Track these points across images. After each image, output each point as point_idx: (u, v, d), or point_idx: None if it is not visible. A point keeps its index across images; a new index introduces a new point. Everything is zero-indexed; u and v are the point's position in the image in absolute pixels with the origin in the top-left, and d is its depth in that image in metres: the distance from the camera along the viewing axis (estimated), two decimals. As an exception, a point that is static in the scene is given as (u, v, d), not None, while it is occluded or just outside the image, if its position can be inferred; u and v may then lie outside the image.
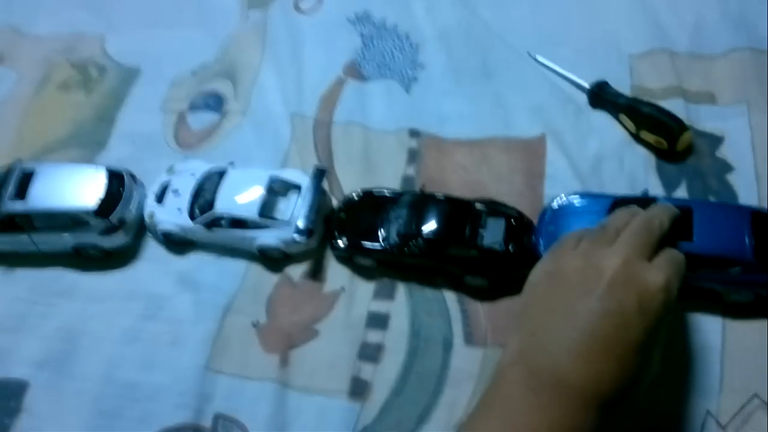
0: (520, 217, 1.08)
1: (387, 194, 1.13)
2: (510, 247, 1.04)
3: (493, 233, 1.05)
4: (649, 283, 0.72)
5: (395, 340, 1.03)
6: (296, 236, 1.07)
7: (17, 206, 1.10)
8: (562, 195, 1.10)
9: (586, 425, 0.69)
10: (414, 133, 1.24)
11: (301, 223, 1.07)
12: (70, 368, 1.04)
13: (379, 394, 0.99)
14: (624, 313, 0.70)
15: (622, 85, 1.24)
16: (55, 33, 1.50)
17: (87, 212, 1.09)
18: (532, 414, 0.69)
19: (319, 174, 1.12)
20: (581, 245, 0.81)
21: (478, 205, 1.07)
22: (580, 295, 0.73)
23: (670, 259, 0.78)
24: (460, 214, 1.06)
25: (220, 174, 1.15)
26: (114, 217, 1.11)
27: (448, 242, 1.04)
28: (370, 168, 1.21)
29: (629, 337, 0.70)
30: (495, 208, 1.08)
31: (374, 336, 1.04)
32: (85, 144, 1.30)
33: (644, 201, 1.03)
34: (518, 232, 1.06)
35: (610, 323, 0.70)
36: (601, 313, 0.71)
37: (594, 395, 0.69)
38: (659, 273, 0.74)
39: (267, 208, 1.10)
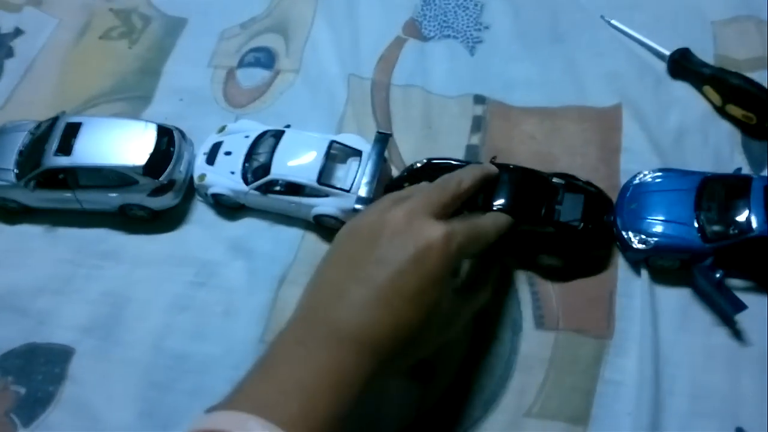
0: (599, 193, 1.00)
1: (453, 164, 1.05)
2: (589, 225, 0.96)
3: (570, 210, 0.97)
4: (427, 235, 0.73)
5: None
6: (358, 206, 1.00)
7: (62, 161, 1.03)
8: (645, 171, 1.02)
9: (360, 372, 0.68)
10: (479, 99, 1.16)
11: (363, 192, 1.00)
12: (117, 335, 0.99)
13: (442, 378, 0.93)
14: (399, 262, 0.71)
15: (705, 54, 1.15)
16: (95, -22, 1.42)
17: (136, 170, 1.03)
18: (297, 366, 0.68)
19: (383, 140, 1.05)
20: (382, 202, 0.82)
21: (555, 180, 1.00)
22: (363, 247, 0.74)
23: (465, 218, 0.81)
24: (536, 187, 0.99)
25: (276, 136, 1.08)
26: (164, 177, 1.05)
27: (522, 217, 0.97)
28: (431, 135, 1.14)
29: (403, 286, 0.70)
30: (573, 183, 1.00)
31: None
32: (130, 98, 1.23)
33: (738, 180, 0.96)
34: (597, 210, 0.99)
35: (384, 272, 0.70)
36: (377, 262, 0.71)
37: (368, 343, 0.69)
38: (440, 226, 0.74)
39: (326, 175, 1.03)
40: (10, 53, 1.31)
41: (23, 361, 0.98)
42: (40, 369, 0.97)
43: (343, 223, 1.03)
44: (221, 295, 1.02)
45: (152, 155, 1.04)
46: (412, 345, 0.73)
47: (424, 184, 0.91)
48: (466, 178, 0.89)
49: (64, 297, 1.03)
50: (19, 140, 1.11)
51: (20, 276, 1.06)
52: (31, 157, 1.07)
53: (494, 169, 0.97)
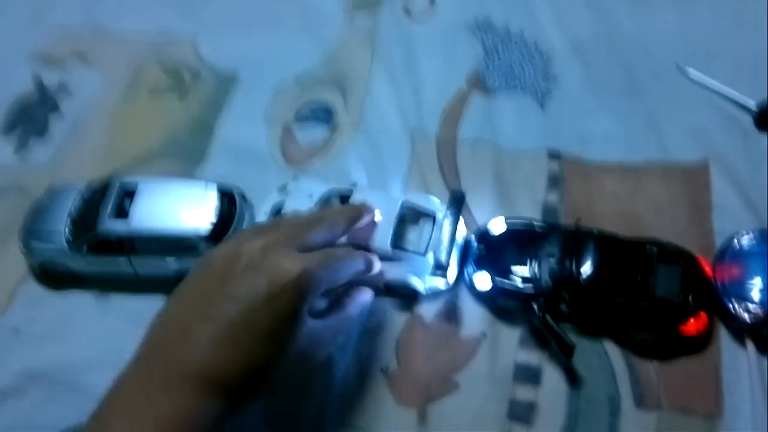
0: (694, 261, 0.93)
1: (535, 228, 0.98)
2: (689, 299, 0.88)
3: (666, 281, 0.90)
4: (282, 270, 0.69)
5: (551, 399, 0.89)
6: (437, 272, 0.92)
7: (119, 227, 0.97)
8: (743, 232, 0.95)
9: (209, 415, 0.66)
10: (554, 155, 1.10)
11: (442, 258, 0.93)
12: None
13: None
14: (252, 298, 0.67)
15: (792, 106, 1.08)
16: (142, 33, 1.38)
17: (198, 237, 0.96)
18: (136, 418, 0.64)
19: (458, 201, 0.98)
20: (243, 233, 0.79)
21: (649, 248, 0.92)
22: (214, 281, 0.70)
23: (325, 252, 0.76)
24: (628, 257, 0.91)
25: (342, 196, 1.01)
26: (225, 243, 0.97)
27: (615, 290, 0.89)
28: (504, 193, 1.07)
29: (256, 324, 0.67)
30: (667, 250, 0.93)
31: (525, 392, 0.90)
32: (183, 156, 1.18)
33: None
34: (694, 280, 0.91)
35: (235, 309, 0.67)
36: (228, 298, 0.68)
37: (217, 383, 0.66)
38: (297, 261, 0.70)
39: (398, 239, 0.96)
40: (55, 108, 1.27)
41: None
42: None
43: (415, 292, 0.97)
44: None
45: (216, 221, 0.97)
46: (266, 380, 0.70)
47: (291, 215, 0.89)
48: (338, 220, 0.84)
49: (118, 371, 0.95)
50: (69, 202, 1.05)
51: (72, 349, 0.99)
52: (83, 220, 1.01)
53: (371, 208, 0.93)
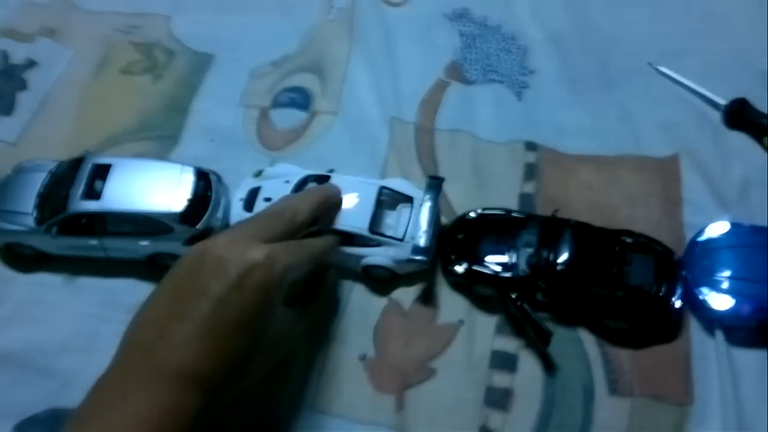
0: (667, 252, 0.95)
1: (514, 215, 0.99)
2: (662, 288, 0.91)
3: (640, 271, 0.92)
4: (248, 258, 0.70)
5: (526, 386, 0.90)
6: (417, 257, 0.93)
7: (90, 206, 0.95)
8: (713, 225, 0.97)
9: (187, 409, 0.66)
10: (530, 146, 1.11)
11: (421, 242, 0.93)
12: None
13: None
14: (220, 290, 0.68)
15: (759, 104, 1.12)
16: (113, 10, 1.35)
17: (172, 218, 0.94)
18: (115, 418, 0.64)
19: (437, 185, 0.99)
20: (213, 235, 0.81)
21: (624, 238, 0.94)
22: (185, 279, 0.71)
23: (295, 242, 0.79)
24: (604, 246, 0.93)
25: (319, 181, 1.01)
26: (200, 225, 0.96)
27: (591, 279, 0.91)
28: (481, 183, 1.08)
29: (227, 315, 0.68)
30: (641, 241, 0.95)
31: (501, 379, 0.91)
32: (156, 137, 1.15)
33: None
34: (667, 271, 0.93)
35: (206, 303, 0.68)
36: (198, 293, 0.69)
37: (194, 378, 0.66)
38: (261, 250, 0.71)
39: (377, 223, 0.96)
40: (22, 85, 1.23)
41: (46, 428, 0.88)
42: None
43: (395, 274, 0.97)
44: (264, 354, 0.93)
45: (190, 201, 0.95)
46: (243, 371, 0.71)
47: (260, 212, 0.90)
48: (302, 209, 0.85)
49: (91, 355, 0.93)
50: (38, 181, 1.02)
51: (40, 332, 0.96)
52: (53, 200, 0.98)
53: (336, 190, 0.95)
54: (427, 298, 0.97)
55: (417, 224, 0.95)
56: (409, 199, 1.00)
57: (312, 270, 0.87)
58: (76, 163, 1.00)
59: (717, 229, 0.97)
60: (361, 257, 0.96)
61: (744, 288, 0.91)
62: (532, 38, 1.25)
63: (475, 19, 1.29)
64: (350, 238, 0.96)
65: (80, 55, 1.28)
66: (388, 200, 1.00)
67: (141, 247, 0.98)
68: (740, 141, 1.10)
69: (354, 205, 0.97)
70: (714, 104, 1.13)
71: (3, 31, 1.32)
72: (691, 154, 1.08)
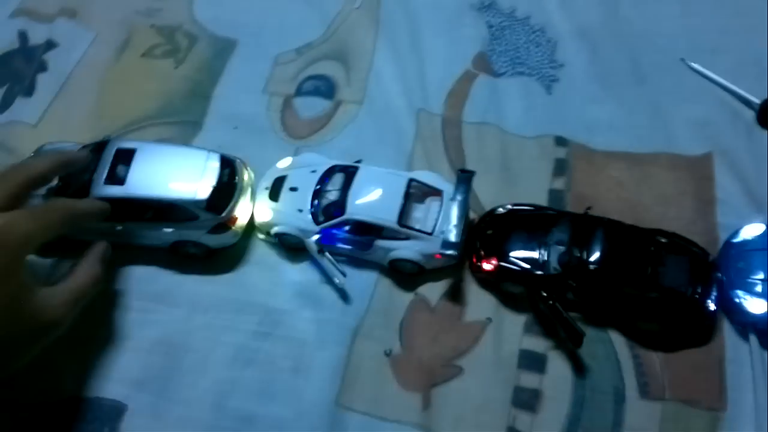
0: (703, 253, 0.93)
1: (549, 212, 0.97)
2: (697, 290, 0.89)
3: (675, 273, 0.90)
4: None
5: (555, 387, 0.88)
6: (447, 251, 0.91)
7: (114, 191, 0.93)
8: (748, 226, 0.95)
9: None
10: (560, 141, 1.09)
11: (452, 237, 0.91)
12: (174, 391, 0.89)
13: None
14: None
15: (794, 104, 1.09)
16: (135, -8, 1.32)
17: (198, 205, 0.93)
18: None
19: (467, 179, 0.97)
20: None
21: (658, 238, 0.92)
22: None
23: (40, 207, 0.80)
24: (638, 246, 0.91)
25: (346, 171, 0.99)
26: (226, 213, 0.94)
27: (624, 279, 0.89)
28: (510, 177, 1.06)
29: None
30: (675, 241, 0.93)
31: (529, 379, 0.89)
32: (178, 122, 1.14)
33: None
34: (702, 273, 0.91)
35: None
36: None
37: None
38: None
39: (406, 216, 0.94)
40: (42, 67, 1.21)
41: (65, 417, 0.87)
42: (87, 428, 0.86)
43: (422, 268, 0.95)
44: (289, 348, 0.91)
45: (215, 188, 0.93)
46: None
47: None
48: (35, 168, 0.83)
49: (112, 344, 0.92)
50: (60, 165, 0.99)
51: (61, 319, 0.94)
52: (75, 184, 0.96)
53: (81, 156, 0.92)
54: (455, 295, 0.95)
55: (447, 218, 0.93)
56: (438, 193, 0.98)
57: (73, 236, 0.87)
58: (99, 147, 0.98)
59: (752, 230, 0.95)
60: (388, 250, 0.94)
61: (781, 291, 0.89)
62: (561, 31, 1.22)
63: (503, 9, 1.26)
64: (378, 231, 0.94)
65: (101, 38, 1.25)
66: (417, 193, 0.98)
67: (165, 234, 0.96)
68: (774, 140, 1.07)
69: (382, 197, 0.95)
70: (747, 103, 1.11)
71: (21, 10, 1.30)
72: (725, 154, 1.06)
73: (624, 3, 1.25)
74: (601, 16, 1.23)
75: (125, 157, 0.96)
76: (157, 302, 0.95)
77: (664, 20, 1.23)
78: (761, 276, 0.90)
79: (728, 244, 0.95)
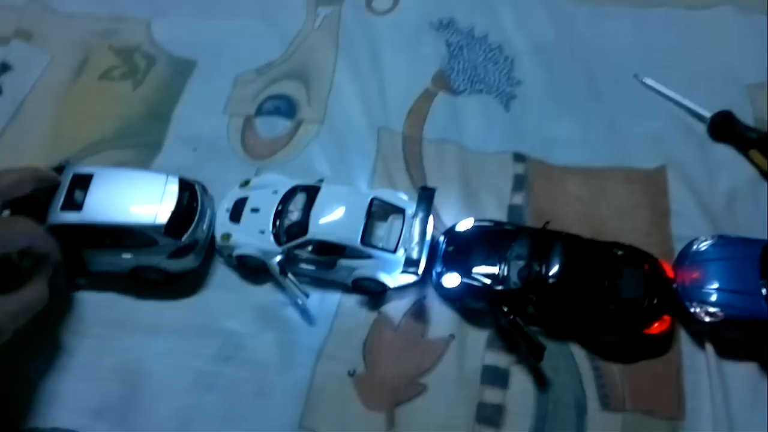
0: (657, 265, 0.95)
1: (504, 228, 0.99)
2: (654, 301, 0.90)
3: (631, 284, 0.91)
4: None
5: (518, 402, 0.89)
6: (409, 269, 0.91)
7: (70, 217, 0.91)
8: (702, 238, 0.97)
9: None
10: (519, 157, 1.10)
11: (414, 254, 0.92)
12: (133, 419, 0.87)
13: None
14: None
15: (744, 117, 1.13)
16: (90, 12, 1.32)
17: (156, 230, 0.92)
18: None
19: (429, 196, 0.97)
20: None
21: (615, 251, 0.94)
22: None
23: None
24: (596, 259, 0.93)
25: (308, 191, 0.99)
26: (186, 237, 0.94)
27: (583, 292, 0.90)
28: (470, 194, 1.07)
29: None
30: (632, 253, 0.94)
31: (493, 395, 0.90)
32: (137, 145, 1.13)
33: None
34: (658, 284, 0.93)
35: None
36: None
37: None
38: None
39: (368, 235, 0.95)
40: (-4, 90, 1.19)
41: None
42: (42, 460, 0.84)
43: (385, 287, 0.95)
44: (251, 371, 0.91)
45: (174, 213, 0.93)
46: None
47: None
48: (7, 177, 0.85)
49: (69, 373, 0.90)
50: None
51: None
52: (31, 211, 0.94)
53: (52, 175, 0.92)
54: (418, 312, 0.96)
55: (409, 236, 0.94)
56: (400, 211, 0.98)
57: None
58: (56, 172, 0.96)
59: (705, 241, 0.97)
60: (352, 269, 0.94)
61: (733, 300, 0.91)
62: (518, 49, 1.24)
63: (461, 28, 1.28)
64: (341, 250, 0.94)
65: (57, 60, 1.24)
66: (379, 211, 0.98)
67: (123, 260, 0.95)
68: (726, 153, 1.10)
69: (345, 216, 0.95)
70: (699, 117, 1.14)
71: (-25, 33, 1.27)
72: (678, 167, 1.08)
73: (578, 20, 1.28)
74: (557, 33, 1.26)
75: (82, 182, 0.94)
76: (115, 329, 0.94)
77: (618, 37, 1.26)
78: (715, 285, 0.92)
79: (682, 255, 0.97)
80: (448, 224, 1.02)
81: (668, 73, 1.20)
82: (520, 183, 1.08)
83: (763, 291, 0.90)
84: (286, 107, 1.17)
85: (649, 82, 1.19)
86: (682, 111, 1.16)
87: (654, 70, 1.20)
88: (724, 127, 1.11)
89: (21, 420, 0.87)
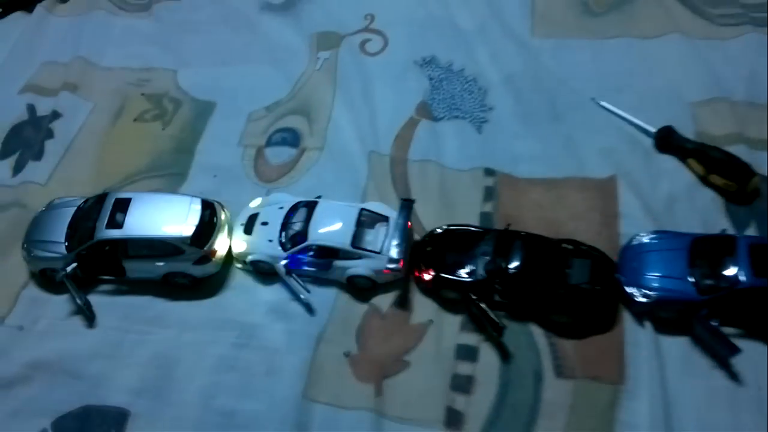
0: (603, 257, 1.12)
1: (472, 230, 1.17)
2: (597, 287, 1.08)
3: (579, 273, 1.09)
4: None
5: (486, 373, 1.07)
6: (391, 266, 1.10)
7: (113, 233, 1.13)
8: (642, 233, 1.14)
9: None
10: (489, 172, 1.29)
11: (394, 254, 1.10)
12: (168, 396, 1.07)
13: (473, 425, 1.02)
14: None
15: (686, 131, 1.30)
16: (125, 66, 1.55)
17: (183, 241, 1.12)
18: None
19: (408, 206, 1.17)
20: None
21: (565, 245, 1.12)
22: None
23: None
24: (548, 253, 1.10)
25: (308, 206, 1.19)
26: (207, 247, 1.14)
27: (536, 280, 1.08)
28: (447, 204, 1.26)
29: None
30: (579, 248, 1.12)
31: (465, 368, 1.07)
32: (166, 175, 1.34)
33: (725, 239, 1.09)
34: (602, 272, 1.10)
35: None
36: None
37: None
38: None
39: (358, 239, 1.14)
40: (49, 135, 1.42)
41: (79, 422, 1.05)
42: (96, 430, 1.04)
43: (375, 283, 1.14)
44: (263, 355, 1.10)
45: (198, 227, 1.13)
46: None
47: None
48: None
49: (116, 361, 1.11)
50: (68, 215, 1.20)
51: (73, 342, 1.13)
52: (81, 230, 1.16)
53: None
54: (402, 303, 1.14)
55: (392, 239, 1.13)
56: (385, 219, 1.18)
57: None
58: (100, 199, 1.18)
59: (644, 236, 1.14)
60: (345, 269, 1.14)
61: (665, 284, 1.08)
62: (490, 80, 1.44)
63: (441, 64, 1.48)
64: (336, 253, 1.13)
65: (99, 107, 1.47)
66: (367, 220, 1.17)
67: (157, 267, 1.15)
68: (668, 163, 1.28)
69: (338, 225, 1.14)
70: (646, 132, 1.32)
71: (29, 86, 1.52)
72: (627, 175, 1.26)
73: (544, 53, 1.48)
74: (524, 65, 1.45)
75: (122, 205, 1.16)
76: (152, 325, 1.14)
77: (578, 66, 1.45)
78: (651, 273, 1.09)
79: (625, 248, 1.14)
80: (428, 229, 1.21)
81: (622, 96, 1.38)
82: (490, 193, 1.26)
83: (690, 277, 1.06)
84: (291, 138, 1.38)
85: (605, 104, 1.37)
86: (632, 128, 1.34)
87: (609, 93, 1.39)
88: (666, 140, 1.29)
89: (78, 401, 1.06)
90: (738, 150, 1.26)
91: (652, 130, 1.31)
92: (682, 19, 1.48)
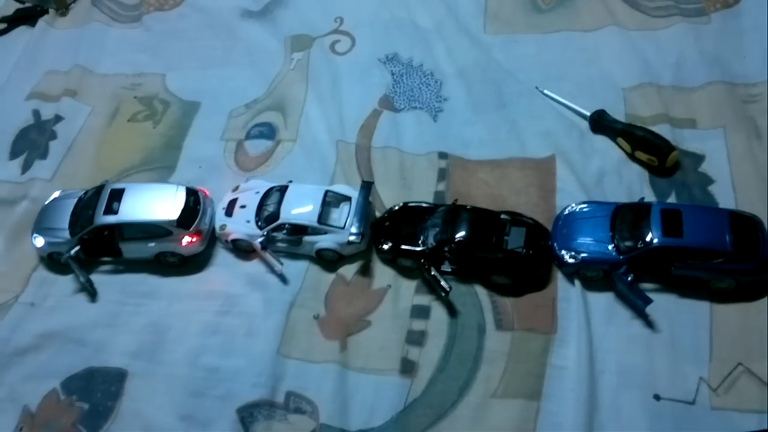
0: (537, 225, 1.28)
1: (424, 206, 1.33)
2: (530, 251, 1.24)
3: (515, 239, 1.25)
4: None
5: (436, 327, 1.22)
6: (351, 238, 1.26)
7: (110, 219, 1.29)
8: (573, 204, 1.30)
9: None
10: (443, 156, 1.45)
11: (354, 228, 1.27)
12: (161, 357, 1.23)
13: (425, 372, 1.18)
14: None
15: (618, 114, 1.46)
16: (119, 72, 1.71)
17: (171, 223, 1.28)
18: None
19: (367, 186, 1.33)
20: None
21: (503, 216, 1.28)
22: None
23: None
24: (488, 223, 1.26)
25: (281, 190, 1.35)
26: (192, 228, 1.30)
27: (478, 246, 1.24)
28: (405, 185, 1.42)
29: None
30: (517, 218, 1.28)
31: (418, 324, 1.23)
32: (157, 168, 1.50)
33: (642, 206, 1.25)
34: (536, 238, 1.26)
35: None
36: None
37: None
38: None
39: (324, 217, 1.30)
40: (53, 136, 1.58)
41: (85, 382, 1.22)
42: (99, 388, 1.21)
43: (341, 255, 1.30)
44: (243, 320, 1.26)
45: (183, 211, 1.30)
46: None
47: None
48: None
49: (115, 329, 1.27)
50: (71, 205, 1.36)
51: (78, 314, 1.30)
52: (82, 217, 1.32)
53: None
54: (364, 271, 1.30)
55: (354, 215, 1.29)
56: (348, 198, 1.34)
57: None
58: (98, 190, 1.35)
59: (574, 206, 1.30)
60: (314, 243, 1.30)
61: (591, 247, 1.23)
62: (446, 73, 1.59)
63: (402, 60, 1.64)
64: (305, 230, 1.30)
65: (96, 110, 1.63)
66: (332, 200, 1.33)
67: (149, 248, 1.32)
68: (601, 142, 1.43)
69: (306, 205, 1.31)
70: (582, 115, 1.47)
71: (34, 94, 1.68)
72: (564, 154, 1.41)
73: (494, 48, 1.63)
74: (476, 60, 1.61)
75: (117, 194, 1.32)
76: (146, 298, 1.31)
77: (525, 59, 1.60)
78: (579, 238, 1.25)
79: (557, 217, 1.30)
80: (388, 206, 1.37)
81: (562, 84, 1.54)
82: (443, 174, 1.42)
83: (612, 240, 1.22)
84: (268, 131, 1.54)
85: (547, 92, 1.53)
86: (570, 112, 1.49)
87: (551, 82, 1.54)
88: (599, 122, 1.44)
89: (83, 363, 1.23)
90: (662, 129, 1.41)
91: (587, 113, 1.46)
92: (620, 13, 1.63)
